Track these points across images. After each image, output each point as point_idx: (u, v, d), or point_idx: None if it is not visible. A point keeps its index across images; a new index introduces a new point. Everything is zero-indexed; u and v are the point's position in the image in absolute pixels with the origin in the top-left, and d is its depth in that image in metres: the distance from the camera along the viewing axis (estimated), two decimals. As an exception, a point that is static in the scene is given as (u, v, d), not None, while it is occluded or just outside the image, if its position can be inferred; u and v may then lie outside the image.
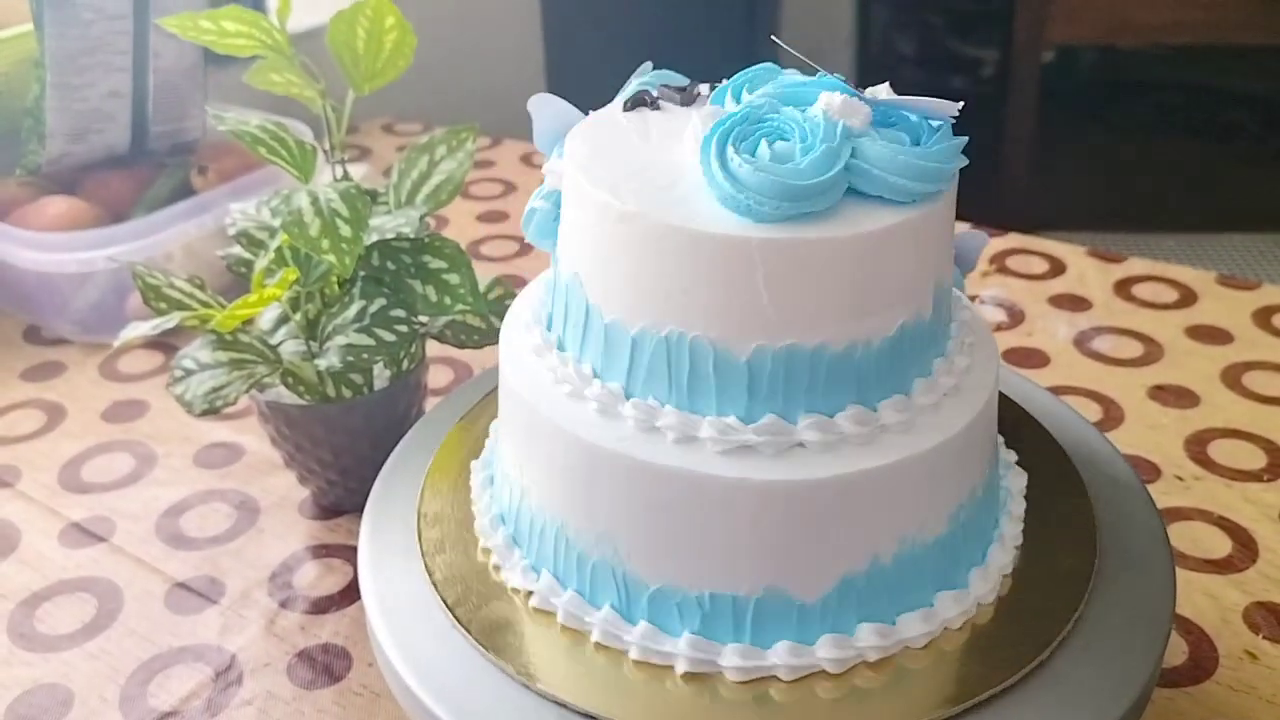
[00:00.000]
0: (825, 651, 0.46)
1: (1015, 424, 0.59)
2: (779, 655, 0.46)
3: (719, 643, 0.46)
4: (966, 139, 0.45)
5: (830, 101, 0.44)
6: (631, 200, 0.44)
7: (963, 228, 0.52)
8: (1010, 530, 0.52)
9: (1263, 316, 0.92)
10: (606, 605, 0.48)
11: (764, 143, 0.44)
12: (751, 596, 0.46)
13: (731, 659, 0.46)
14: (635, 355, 0.46)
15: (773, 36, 0.56)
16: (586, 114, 0.53)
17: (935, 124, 0.45)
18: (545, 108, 0.53)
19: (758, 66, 0.50)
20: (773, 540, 0.45)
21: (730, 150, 0.43)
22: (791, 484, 0.44)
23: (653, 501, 0.45)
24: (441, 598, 0.51)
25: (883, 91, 0.50)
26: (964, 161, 0.45)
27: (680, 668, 0.46)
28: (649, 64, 0.55)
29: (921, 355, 0.48)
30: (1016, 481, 0.55)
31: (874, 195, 0.44)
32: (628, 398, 0.46)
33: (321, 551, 0.70)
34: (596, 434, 0.46)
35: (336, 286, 0.64)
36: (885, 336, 0.45)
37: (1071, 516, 0.54)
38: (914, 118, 0.46)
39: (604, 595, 0.48)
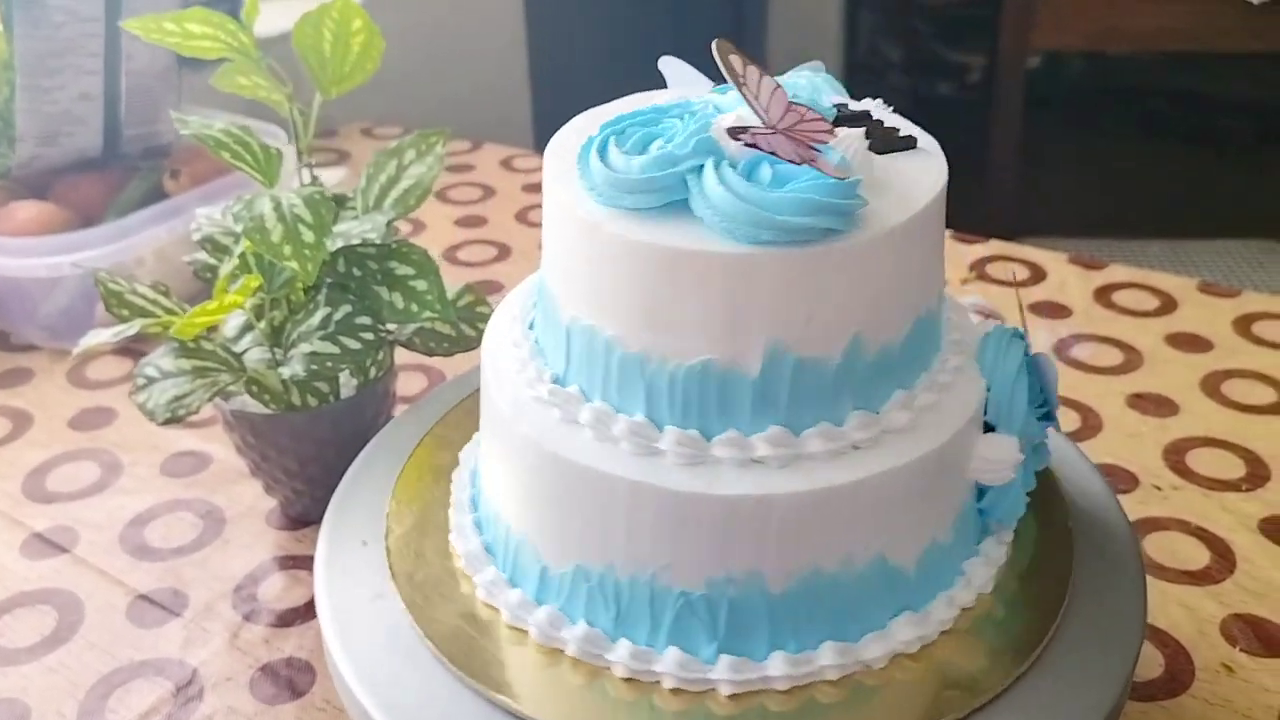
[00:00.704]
0: (827, 659, 0.46)
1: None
2: (725, 668, 0.46)
3: (705, 661, 0.46)
4: (832, 199, 0.42)
5: (721, 122, 0.44)
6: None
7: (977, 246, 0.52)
8: (994, 551, 0.51)
9: (1243, 324, 0.91)
10: (582, 621, 0.47)
11: (633, 142, 0.45)
12: (724, 606, 0.45)
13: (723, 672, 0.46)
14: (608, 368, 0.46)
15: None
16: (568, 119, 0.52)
17: (816, 175, 0.43)
18: (671, 68, 0.56)
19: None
20: (764, 551, 0.44)
21: (612, 144, 0.45)
22: (788, 496, 0.44)
23: (633, 517, 0.45)
24: (409, 613, 0.50)
25: (873, 107, 0.50)
26: (815, 221, 0.42)
27: (667, 684, 0.46)
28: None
29: (898, 375, 0.47)
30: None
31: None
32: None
33: (288, 563, 0.69)
34: (568, 448, 0.46)
35: (302, 293, 0.63)
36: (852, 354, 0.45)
37: (1049, 533, 0.53)
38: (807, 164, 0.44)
39: (579, 610, 0.48)
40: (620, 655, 0.46)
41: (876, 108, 0.52)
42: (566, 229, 0.46)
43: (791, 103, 0.45)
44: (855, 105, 0.53)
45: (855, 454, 0.45)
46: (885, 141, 0.48)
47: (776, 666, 0.45)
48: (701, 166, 0.43)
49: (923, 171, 0.47)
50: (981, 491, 0.50)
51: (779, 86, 0.45)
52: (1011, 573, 0.51)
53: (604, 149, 0.45)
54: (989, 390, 0.49)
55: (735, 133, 0.43)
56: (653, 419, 0.45)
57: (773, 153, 0.43)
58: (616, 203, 0.44)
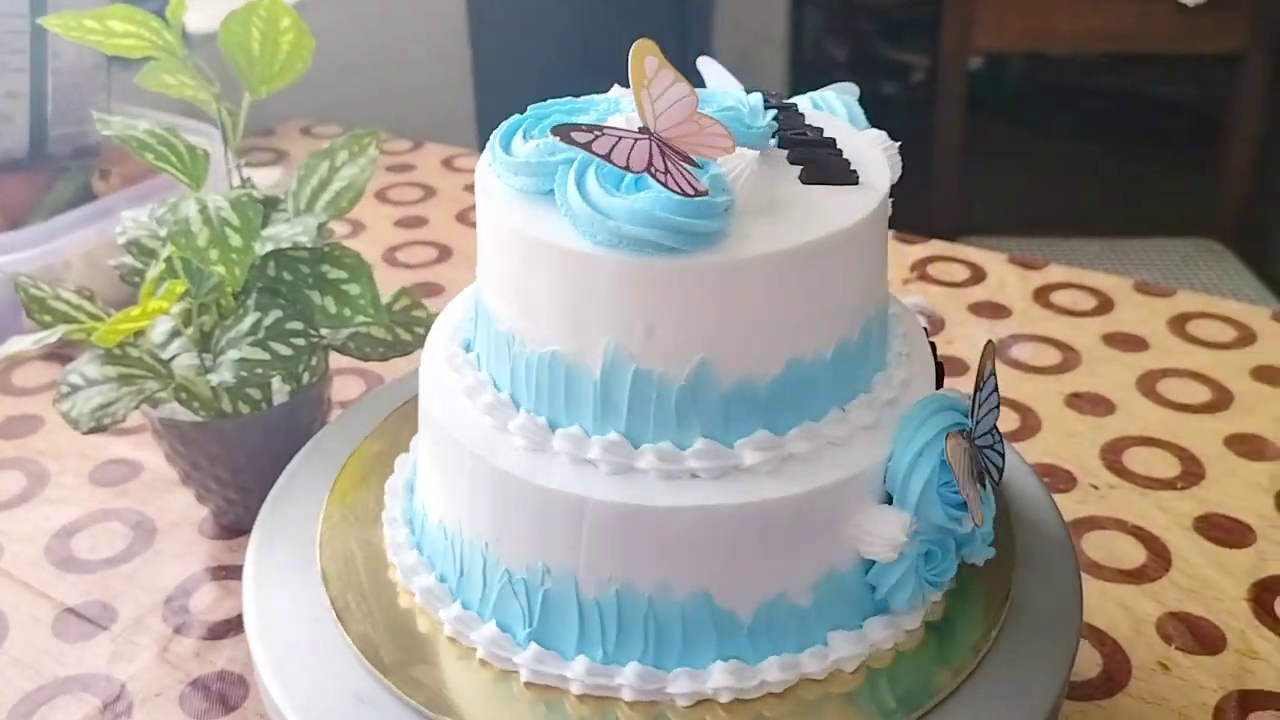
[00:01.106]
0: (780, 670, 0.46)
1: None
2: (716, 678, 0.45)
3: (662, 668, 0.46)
4: (671, 215, 0.41)
5: (611, 121, 0.46)
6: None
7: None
8: (877, 633, 0.50)
9: (1178, 324, 0.92)
10: (532, 644, 0.46)
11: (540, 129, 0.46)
12: (690, 617, 0.45)
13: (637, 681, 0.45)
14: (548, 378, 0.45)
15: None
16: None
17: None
18: (709, 70, 0.55)
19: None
20: (719, 563, 0.44)
21: (522, 128, 0.47)
22: (734, 507, 0.43)
23: (591, 531, 0.44)
24: (340, 623, 0.49)
25: (866, 138, 0.50)
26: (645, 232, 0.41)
27: (627, 696, 0.45)
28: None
29: (854, 377, 0.47)
30: None
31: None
32: (553, 429, 0.45)
33: (221, 573, 0.67)
34: (521, 465, 0.45)
35: (231, 298, 0.62)
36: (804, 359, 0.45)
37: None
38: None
39: (518, 624, 0.47)
40: (627, 678, 0.46)
41: (867, 140, 0.50)
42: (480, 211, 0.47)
43: (704, 114, 0.44)
44: (855, 134, 0.50)
45: (687, 480, 0.44)
46: (819, 172, 0.46)
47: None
48: (571, 161, 0.43)
49: (848, 205, 0.44)
50: (870, 565, 0.47)
51: (690, 94, 0.44)
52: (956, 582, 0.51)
53: (512, 131, 0.47)
54: (890, 457, 0.46)
55: (564, 132, 0.42)
56: (513, 398, 0.47)
57: (606, 158, 0.41)
58: (509, 183, 0.45)
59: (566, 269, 0.43)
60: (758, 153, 0.44)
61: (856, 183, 0.46)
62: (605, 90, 0.52)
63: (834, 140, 0.48)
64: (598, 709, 0.45)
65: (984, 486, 0.47)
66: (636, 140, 0.42)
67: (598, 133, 0.42)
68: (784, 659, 0.45)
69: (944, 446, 0.44)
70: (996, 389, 0.48)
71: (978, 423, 0.47)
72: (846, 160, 0.47)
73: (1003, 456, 0.48)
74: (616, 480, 0.44)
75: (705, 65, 0.56)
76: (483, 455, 0.45)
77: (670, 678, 0.45)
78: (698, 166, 0.43)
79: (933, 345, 0.53)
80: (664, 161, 0.42)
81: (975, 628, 0.48)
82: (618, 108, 0.48)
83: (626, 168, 0.41)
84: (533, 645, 0.46)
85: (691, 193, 0.41)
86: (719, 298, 0.42)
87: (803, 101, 0.53)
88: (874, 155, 0.49)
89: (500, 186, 0.46)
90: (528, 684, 0.46)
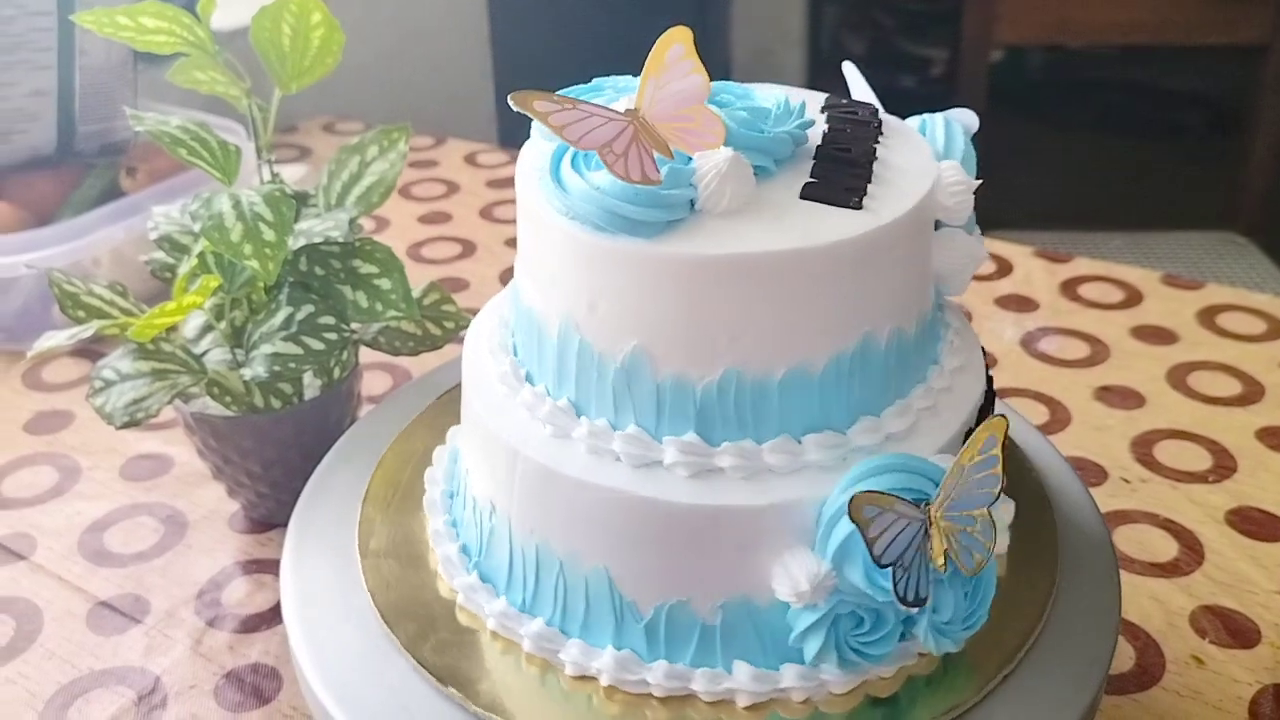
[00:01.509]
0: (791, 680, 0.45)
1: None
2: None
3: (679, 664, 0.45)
4: (613, 198, 0.42)
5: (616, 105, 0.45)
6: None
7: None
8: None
9: (1207, 316, 0.92)
10: (575, 639, 0.47)
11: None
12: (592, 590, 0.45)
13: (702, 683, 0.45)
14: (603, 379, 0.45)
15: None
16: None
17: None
18: (850, 75, 0.56)
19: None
20: (621, 549, 0.44)
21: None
22: (638, 498, 0.43)
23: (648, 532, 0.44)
24: (381, 616, 0.49)
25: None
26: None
27: (657, 693, 0.45)
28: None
29: (818, 408, 0.45)
30: (1004, 513, 0.53)
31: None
32: (529, 386, 0.47)
33: (252, 567, 0.68)
34: (579, 469, 0.45)
35: (263, 293, 0.62)
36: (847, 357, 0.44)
37: (1036, 534, 0.53)
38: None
39: (577, 623, 0.47)
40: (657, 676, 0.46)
41: (927, 169, 0.47)
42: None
43: (711, 108, 0.44)
44: (925, 160, 0.48)
45: (610, 461, 0.45)
46: (818, 190, 0.44)
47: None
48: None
49: (834, 228, 0.42)
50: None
51: (702, 88, 0.43)
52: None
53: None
54: (824, 500, 0.43)
55: (524, 101, 0.42)
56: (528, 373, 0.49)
57: (560, 131, 0.42)
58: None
59: (543, 236, 0.45)
60: (733, 153, 0.42)
61: (856, 208, 0.43)
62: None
63: (869, 162, 0.46)
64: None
65: (945, 568, 0.42)
66: (609, 121, 0.42)
67: (568, 106, 0.42)
68: (673, 668, 0.45)
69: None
70: (999, 469, 0.43)
71: (950, 498, 0.42)
72: (863, 184, 0.45)
73: (991, 544, 0.43)
74: (553, 443, 0.45)
75: (848, 70, 0.55)
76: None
77: (566, 647, 0.47)
78: (671, 158, 0.43)
79: (989, 379, 0.51)
80: (628, 146, 0.42)
81: (1015, 630, 0.48)
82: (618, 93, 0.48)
83: (577, 143, 0.42)
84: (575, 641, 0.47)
85: (636, 179, 0.41)
86: (653, 289, 0.42)
87: (914, 121, 0.52)
88: (916, 186, 0.45)
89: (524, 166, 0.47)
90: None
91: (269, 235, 0.56)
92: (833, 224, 0.43)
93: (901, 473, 0.42)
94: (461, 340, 0.53)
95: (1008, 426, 0.43)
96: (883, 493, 0.41)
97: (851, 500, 0.40)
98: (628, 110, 0.43)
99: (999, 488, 0.43)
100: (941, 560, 0.41)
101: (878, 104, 0.52)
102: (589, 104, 0.43)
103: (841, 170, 0.46)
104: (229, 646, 0.62)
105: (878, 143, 0.48)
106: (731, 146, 0.43)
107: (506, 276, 1.01)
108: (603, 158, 0.41)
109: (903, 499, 0.41)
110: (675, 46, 0.43)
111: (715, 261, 0.41)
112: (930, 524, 0.41)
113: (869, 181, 0.45)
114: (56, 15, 0.91)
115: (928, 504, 0.42)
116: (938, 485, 0.42)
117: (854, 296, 0.44)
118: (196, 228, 0.56)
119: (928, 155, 0.48)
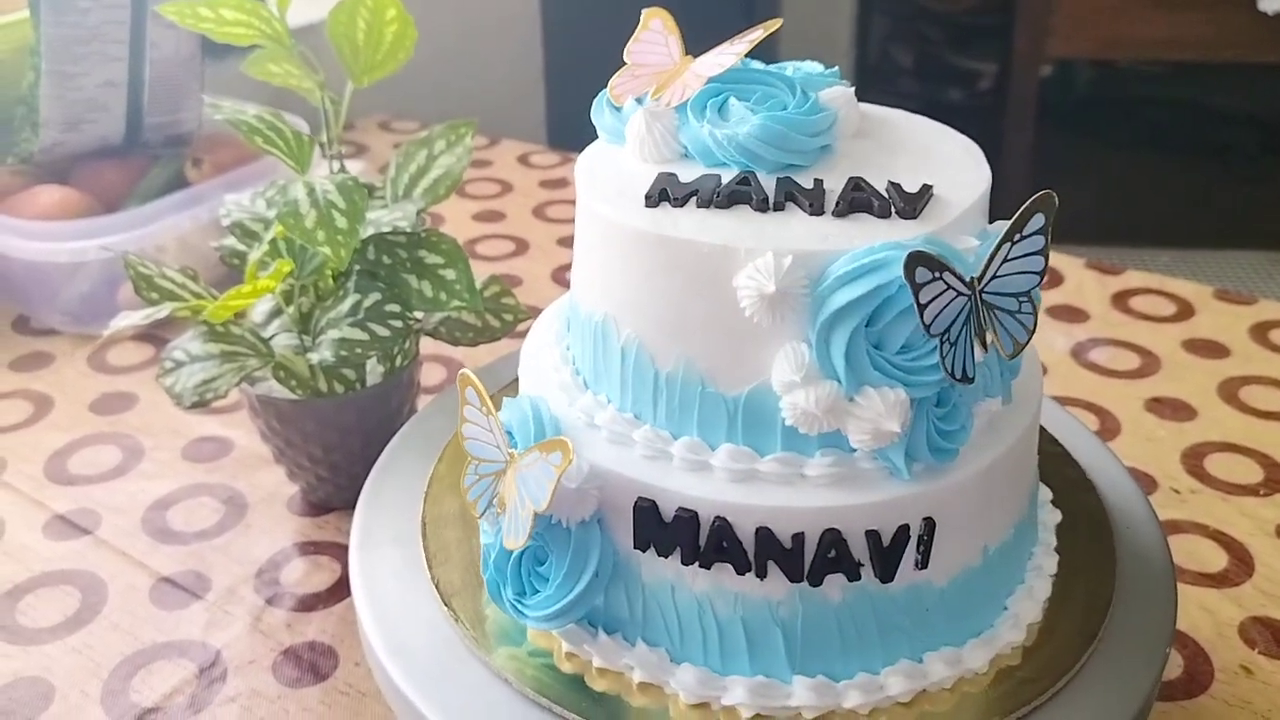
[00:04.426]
0: (897, 684, 0.45)
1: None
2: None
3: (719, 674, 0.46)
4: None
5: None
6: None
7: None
8: (1046, 566, 0.51)
9: (1259, 332, 0.91)
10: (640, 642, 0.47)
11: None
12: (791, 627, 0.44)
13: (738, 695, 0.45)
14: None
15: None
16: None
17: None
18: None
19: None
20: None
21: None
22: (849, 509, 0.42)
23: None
24: (441, 598, 0.50)
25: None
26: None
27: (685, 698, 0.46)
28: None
29: None
30: (1051, 519, 0.53)
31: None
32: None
33: (310, 548, 0.69)
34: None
35: (331, 280, 0.64)
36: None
37: (1093, 543, 0.53)
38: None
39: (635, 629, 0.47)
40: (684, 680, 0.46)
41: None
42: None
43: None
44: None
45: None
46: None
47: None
48: None
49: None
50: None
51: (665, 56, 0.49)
52: (1056, 579, 0.51)
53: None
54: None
55: None
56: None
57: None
58: None
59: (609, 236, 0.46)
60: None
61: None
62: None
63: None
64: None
65: (987, 349, 0.41)
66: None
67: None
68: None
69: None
70: (1046, 251, 0.41)
71: (993, 274, 0.40)
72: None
73: (1031, 328, 0.42)
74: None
75: None
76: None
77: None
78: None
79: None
80: None
81: (1075, 634, 0.48)
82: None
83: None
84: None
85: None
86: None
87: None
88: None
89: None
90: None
91: (341, 222, 0.57)
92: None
93: (938, 247, 0.40)
94: (517, 334, 0.54)
95: (1056, 204, 0.41)
96: (938, 257, 0.39)
97: (908, 258, 0.38)
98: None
99: (1043, 270, 0.41)
100: (986, 340, 0.40)
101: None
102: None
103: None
104: (287, 624, 0.64)
105: None
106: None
107: (558, 275, 1.02)
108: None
109: (952, 269, 0.39)
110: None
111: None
112: (976, 300, 0.40)
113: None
114: (130, 8, 0.93)
115: (973, 279, 0.40)
116: (960, 261, 0.40)
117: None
118: (272, 214, 0.57)
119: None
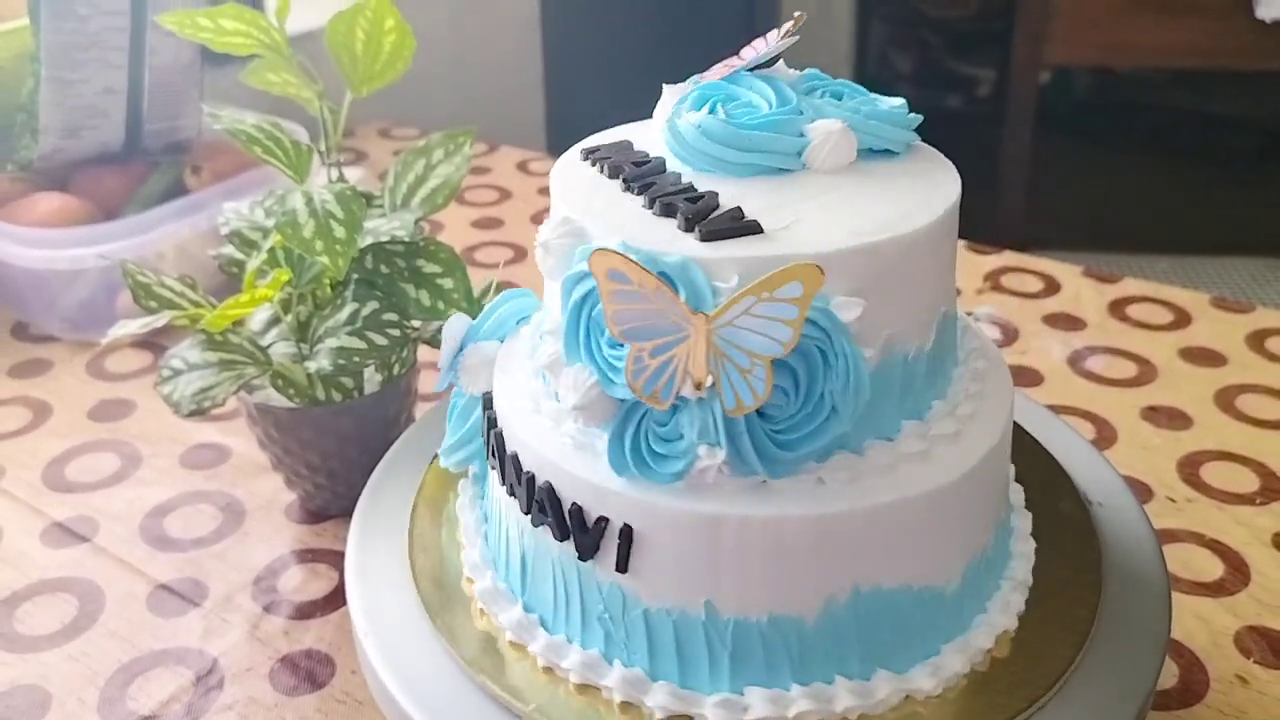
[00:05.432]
0: (845, 700, 0.45)
1: (1016, 445, 0.58)
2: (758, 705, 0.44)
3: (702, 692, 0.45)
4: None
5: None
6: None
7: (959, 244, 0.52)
8: (1019, 573, 0.51)
9: (1257, 340, 0.92)
10: (618, 663, 0.46)
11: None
12: (763, 632, 0.44)
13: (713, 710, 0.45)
14: None
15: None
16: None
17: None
18: None
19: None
20: (791, 575, 0.44)
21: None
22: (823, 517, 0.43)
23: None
24: (427, 613, 0.50)
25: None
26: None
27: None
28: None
29: (927, 384, 0.47)
30: (1023, 523, 0.53)
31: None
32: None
33: (307, 556, 0.69)
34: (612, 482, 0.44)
35: (329, 289, 0.64)
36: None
37: (1077, 550, 0.53)
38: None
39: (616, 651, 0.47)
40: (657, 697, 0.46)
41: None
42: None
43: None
44: None
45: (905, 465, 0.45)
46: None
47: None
48: None
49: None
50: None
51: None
52: (1040, 588, 0.51)
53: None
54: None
55: None
56: None
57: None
58: None
59: None
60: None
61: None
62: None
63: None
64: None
65: (703, 391, 0.41)
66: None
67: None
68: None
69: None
70: (797, 324, 0.39)
71: (729, 324, 0.40)
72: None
73: (761, 397, 0.41)
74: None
75: None
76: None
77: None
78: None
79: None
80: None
81: (1060, 645, 0.48)
82: None
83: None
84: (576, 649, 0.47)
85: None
86: None
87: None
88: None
89: None
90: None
91: (339, 232, 0.58)
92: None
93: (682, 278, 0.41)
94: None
95: (821, 279, 0.39)
96: (630, 259, 0.40)
97: (594, 253, 0.40)
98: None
99: (790, 342, 0.40)
100: (701, 379, 0.40)
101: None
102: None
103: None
104: (284, 632, 0.64)
105: None
106: None
107: (557, 282, 1.02)
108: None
109: (665, 281, 0.40)
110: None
111: None
112: (696, 335, 0.40)
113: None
114: (130, 15, 0.93)
115: (704, 314, 0.40)
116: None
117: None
118: (270, 223, 0.57)
119: None
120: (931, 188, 0.46)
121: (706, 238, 0.42)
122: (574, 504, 0.44)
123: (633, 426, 0.43)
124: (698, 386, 0.40)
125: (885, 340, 0.44)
